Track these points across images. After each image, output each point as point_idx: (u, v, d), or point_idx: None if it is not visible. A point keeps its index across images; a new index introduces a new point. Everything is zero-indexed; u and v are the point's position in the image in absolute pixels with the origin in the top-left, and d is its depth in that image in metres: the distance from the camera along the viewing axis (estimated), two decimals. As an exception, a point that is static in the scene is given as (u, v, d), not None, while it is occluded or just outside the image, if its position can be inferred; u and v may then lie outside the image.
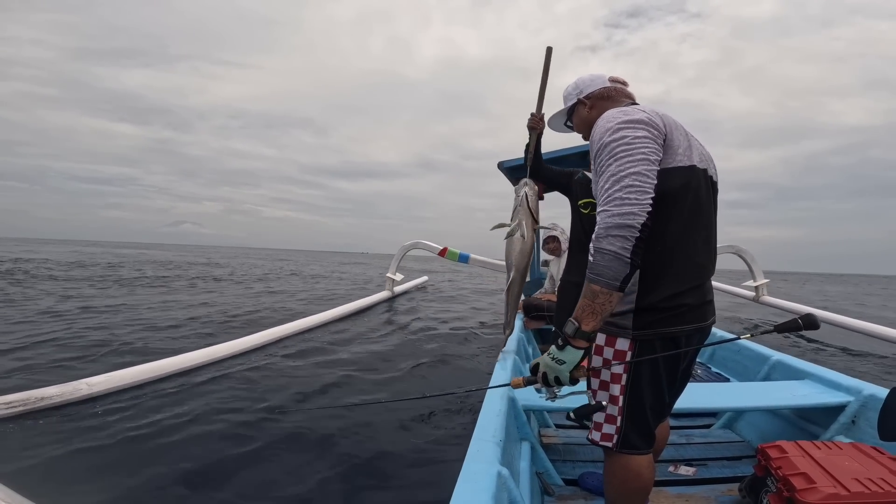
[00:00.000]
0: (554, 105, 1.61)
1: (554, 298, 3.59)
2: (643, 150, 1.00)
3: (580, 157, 4.43)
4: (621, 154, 1.00)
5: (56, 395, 2.73)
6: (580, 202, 2.34)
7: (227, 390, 3.36)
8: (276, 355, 4.40)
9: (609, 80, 1.31)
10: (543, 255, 4.84)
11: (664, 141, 1.06)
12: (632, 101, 1.27)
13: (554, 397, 1.13)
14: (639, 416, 1.13)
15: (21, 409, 2.55)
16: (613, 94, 1.29)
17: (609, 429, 1.16)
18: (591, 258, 0.99)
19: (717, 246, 1.22)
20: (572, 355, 1.01)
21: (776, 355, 2.44)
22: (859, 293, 22.98)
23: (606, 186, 1.00)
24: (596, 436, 1.19)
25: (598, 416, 1.18)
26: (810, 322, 1.05)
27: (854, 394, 1.87)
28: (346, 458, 2.44)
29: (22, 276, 11.18)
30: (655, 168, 1.00)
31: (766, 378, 2.39)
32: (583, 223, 2.34)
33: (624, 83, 1.32)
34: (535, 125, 2.11)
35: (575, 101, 1.35)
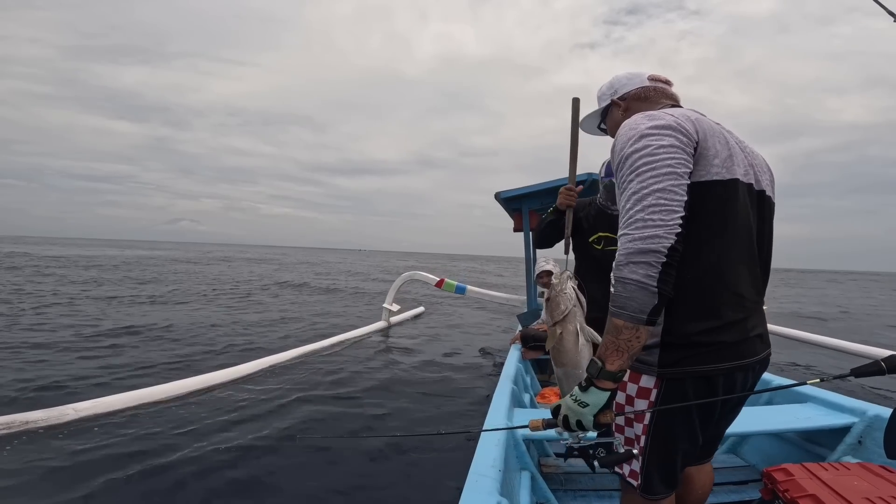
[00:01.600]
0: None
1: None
2: (668, 161, 0.88)
3: (588, 187, 4.46)
4: (643, 168, 0.88)
5: (41, 419, 2.65)
6: (591, 239, 2.17)
7: (215, 418, 3.27)
8: (267, 385, 4.30)
9: (648, 80, 1.17)
10: (540, 287, 4.84)
11: (696, 149, 0.93)
12: (673, 104, 1.14)
13: (578, 441, 1.03)
14: (663, 458, 1.03)
15: (5, 432, 2.48)
16: (651, 95, 1.15)
17: (636, 466, 1.06)
18: (612, 290, 0.89)
19: None
20: (597, 398, 0.89)
21: (777, 379, 2.42)
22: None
23: (627, 207, 0.89)
24: (626, 470, 1.09)
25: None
26: (895, 365, 0.91)
27: (859, 415, 1.85)
28: (340, 488, 2.37)
29: None
30: (685, 182, 0.88)
31: (769, 402, 2.37)
32: (594, 258, 2.15)
33: (666, 82, 1.18)
34: (572, 202, 1.70)
35: (608, 102, 1.22)
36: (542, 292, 5.00)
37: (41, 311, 7.95)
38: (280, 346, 5.84)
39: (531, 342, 3.83)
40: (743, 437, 2.27)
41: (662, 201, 0.85)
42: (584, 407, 0.91)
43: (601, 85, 1.26)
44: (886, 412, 1.74)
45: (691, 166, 0.91)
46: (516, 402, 2.27)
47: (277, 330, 7.65)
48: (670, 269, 0.85)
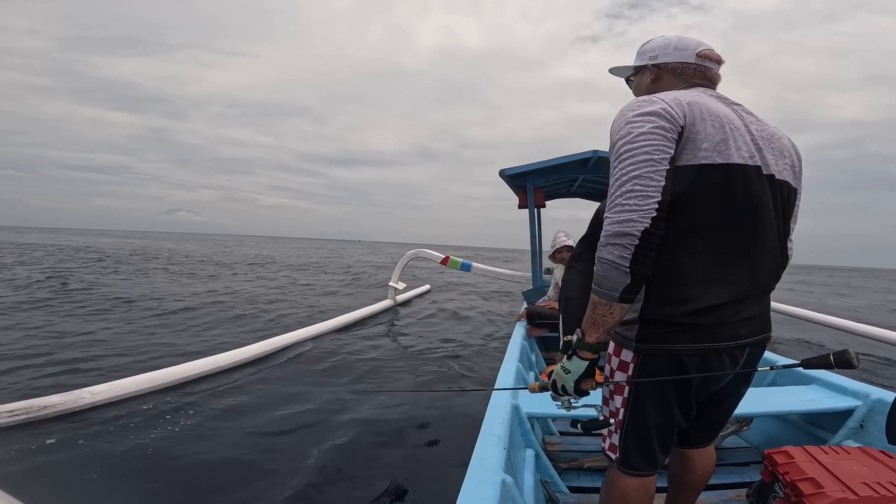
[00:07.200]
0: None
1: (557, 306, 3.59)
2: (646, 148, 0.91)
3: (580, 164, 4.45)
4: (624, 155, 0.93)
5: (59, 403, 2.73)
6: None
7: (228, 399, 3.36)
8: (276, 366, 4.39)
9: (696, 55, 1.11)
10: (546, 263, 4.83)
11: (681, 134, 0.94)
12: (707, 85, 1.11)
13: (569, 407, 1.09)
14: (640, 434, 1.07)
15: (24, 417, 2.55)
16: (687, 73, 1.11)
17: (616, 440, 1.11)
18: (595, 269, 0.95)
19: None
20: (577, 365, 0.99)
21: (782, 360, 2.42)
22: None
23: (611, 191, 0.94)
24: (605, 444, 1.15)
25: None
26: (844, 361, 0.88)
27: (862, 398, 1.85)
28: (347, 465, 2.44)
29: None
30: (662, 168, 0.90)
31: (773, 383, 2.38)
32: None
33: (718, 61, 1.12)
34: None
35: (643, 64, 1.18)
36: (548, 269, 5.00)
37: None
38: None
39: (537, 319, 3.85)
40: (746, 419, 2.29)
41: (639, 187, 0.90)
42: (567, 374, 1.01)
43: (652, 39, 1.19)
44: (889, 396, 1.74)
45: (671, 151, 0.93)
46: (521, 379, 2.31)
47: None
48: (646, 252, 0.89)
